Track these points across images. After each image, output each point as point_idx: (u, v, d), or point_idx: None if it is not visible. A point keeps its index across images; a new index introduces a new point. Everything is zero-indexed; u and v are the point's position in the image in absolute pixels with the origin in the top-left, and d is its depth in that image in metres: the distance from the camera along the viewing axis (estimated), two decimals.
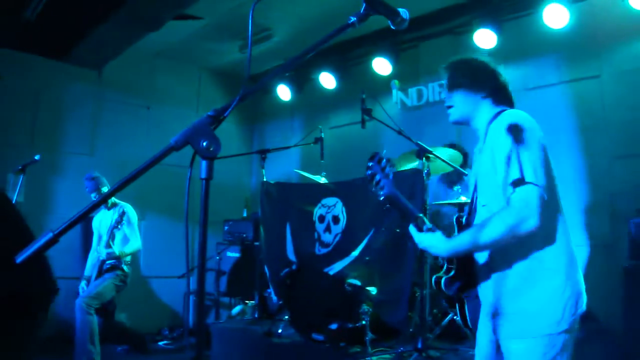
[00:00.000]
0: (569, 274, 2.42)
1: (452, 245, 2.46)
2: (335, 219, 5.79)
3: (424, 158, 4.85)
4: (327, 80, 8.42)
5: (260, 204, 6.63)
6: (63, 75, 8.13)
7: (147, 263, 8.64)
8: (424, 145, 4.83)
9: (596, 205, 5.95)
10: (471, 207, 2.75)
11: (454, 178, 6.13)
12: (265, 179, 6.53)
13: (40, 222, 7.52)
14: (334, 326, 4.77)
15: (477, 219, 2.65)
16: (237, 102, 1.57)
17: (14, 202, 5.52)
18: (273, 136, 10.04)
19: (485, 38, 6.69)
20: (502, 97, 2.79)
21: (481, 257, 2.60)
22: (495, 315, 2.50)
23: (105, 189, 6.32)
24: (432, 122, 7.38)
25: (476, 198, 2.70)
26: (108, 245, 6.20)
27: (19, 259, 1.50)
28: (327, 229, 5.87)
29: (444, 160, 4.93)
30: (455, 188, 5.52)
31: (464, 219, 2.76)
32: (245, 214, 9.28)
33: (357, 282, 5.14)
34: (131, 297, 7.44)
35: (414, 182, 4.94)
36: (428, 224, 2.52)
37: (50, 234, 1.48)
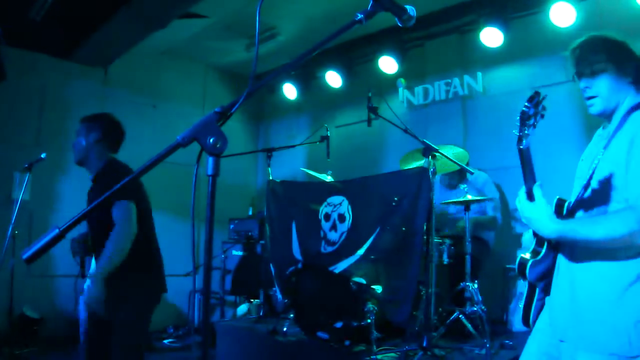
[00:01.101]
0: None
1: (561, 228, 2.26)
2: (341, 218, 5.78)
3: (430, 156, 4.83)
4: (333, 78, 8.42)
5: (266, 202, 6.62)
6: (69, 74, 8.14)
7: None
8: (430, 144, 4.81)
9: None
10: (582, 195, 2.51)
11: (454, 180, 6.11)
12: (271, 178, 6.52)
13: (47, 220, 7.55)
14: (339, 325, 4.76)
15: (588, 208, 2.43)
16: (244, 99, 1.57)
17: (19, 200, 5.54)
18: (279, 135, 10.04)
19: (491, 36, 6.69)
20: None
21: (574, 251, 2.41)
22: (567, 319, 2.34)
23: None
24: (438, 120, 7.38)
25: (590, 186, 2.45)
26: None
27: (26, 255, 1.50)
28: (333, 228, 5.86)
29: (450, 159, 4.91)
30: (462, 186, 5.50)
31: (565, 205, 2.59)
32: (250, 213, 9.29)
33: (363, 281, 5.13)
34: None
35: (421, 180, 4.94)
36: (541, 197, 2.38)
37: (57, 230, 1.49)
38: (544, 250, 2.53)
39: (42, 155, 5.77)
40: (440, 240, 5.26)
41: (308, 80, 9.04)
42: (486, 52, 6.90)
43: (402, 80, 7.85)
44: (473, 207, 5.65)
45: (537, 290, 2.56)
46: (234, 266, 7.90)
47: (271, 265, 6.40)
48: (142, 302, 4.21)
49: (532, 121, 2.39)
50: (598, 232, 2.18)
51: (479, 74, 7.14)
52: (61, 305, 7.63)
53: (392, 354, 4.58)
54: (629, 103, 2.44)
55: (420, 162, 5.38)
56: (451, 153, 5.12)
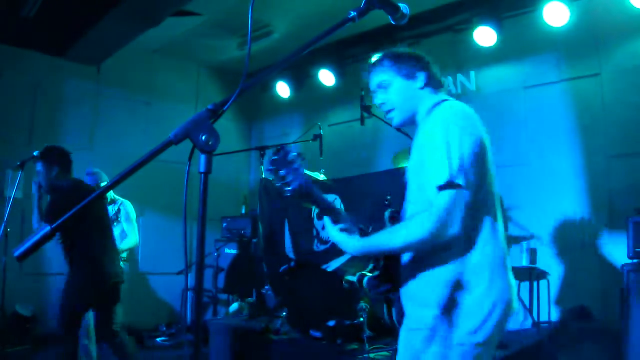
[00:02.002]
0: (492, 283, 2.20)
1: (363, 245, 2.32)
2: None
3: None
4: (326, 77, 8.42)
5: (259, 201, 6.62)
6: (62, 72, 8.11)
7: (145, 259, 8.64)
8: None
9: (595, 203, 5.96)
10: (404, 207, 2.51)
11: None
12: (264, 176, 6.52)
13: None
14: (331, 323, 4.77)
15: (406, 216, 2.44)
16: (237, 96, 1.56)
17: (12, 198, 5.53)
18: (272, 133, 10.03)
19: (485, 36, 6.70)
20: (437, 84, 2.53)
21: (404, 260, 2.42)
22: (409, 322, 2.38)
23: (104, 184, 6.30)
24: None
25: (405, 196, 2.49)
26: None
27: (17, 252, 1.50)
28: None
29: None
30: None
31: (395, 217, 2.59)
32: (243, 211, 9.28)
33: (355, 279, 5.13)
34: (129, 294, 7.42)
35: None
36: (344, 220, 2.40)
37: (48, 228, 1.49)
38: (380, 266, 2.56)
39: (35, 154, 5.74)
40: None
41: (301, 78, 9.03)
42: (480, 51, 6.90)
43: None
44: None
45: (391, 300, 2.57)
46: (226, 264, 7.89)
47: (264, 263, 6.40)
48: None
49: (284, 172, 2.26)
50: (397, 240, 2.22)
51: (472, 73, 7.15)
52: (53, 303, 7.61)
53: (385, 353, 4.59)
54: (425, 108, 2.46)
55: None
56: None
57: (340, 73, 8.34)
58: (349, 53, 8.41)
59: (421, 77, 2.47)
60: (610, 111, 5.92)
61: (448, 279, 2.21)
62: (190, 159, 1.49)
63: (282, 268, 5.48)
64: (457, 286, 2.20)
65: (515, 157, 6.27)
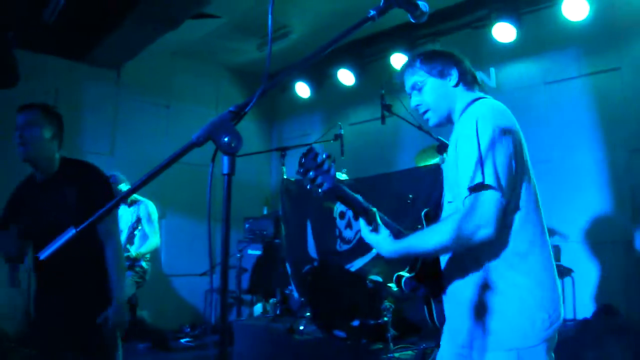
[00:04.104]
0: (539, 284, 2.19)
1: (397, 247, 2.28)
2: (356, 215, 5.78)
3: (444, 153, 4.81)
4: (346, 76, 8.41)
5: (280, 201, 6.63)
6: (82, 76, 8.17)
7: (169, 261, 8.69)
8: (444, 140, 4.79)
9: (617, 199, 5.90)
10: (440, 203, 2.55)
11: None
12: (285, 177, 6.52)
13: None
14: (355, 323, 4.77)
15: (443, 216, 2.45)
16: (258, 97, 1.56)
17: None
18: (292, 133, 10.04)
19: (504, 32, 6.65)
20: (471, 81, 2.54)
21: (443, 262, 2.42)
22: (456, 328, 2.35)
23: (122, 186, 6.35)
24: None
25: (444, 193, 2.50)
26: (125, 249, 6.20)
27: (43, 255, 1.51)
28: (348, 225, 5.87)
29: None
30: None
31: (430, 215, 2.60)
32: (265, 212, 9.29)
33: (379, 279, 5.13)
34: (153, 295, 7.49)
35: (435, 178, 4.92)
36: (378, 220, 2.35)
37: (73, 231, 1.50)
38: (417, 267, 2.55)
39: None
40: None
41: (321, 78, 9.03)
42: (499, 47, 6.86)
43: None
44: None
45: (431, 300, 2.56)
46: (249, 265, 7.91)
47: (287, 264, 6.41)
48: None
49: (314, 174, 2.25)
50: (430, 242, 2.22)
51: (492, 70, 7.10)
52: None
53: (409, 352, 4.58)
54: (459, 107, 2.45)
55: (436, 159, 5.37)
56: None
57: (359, 72, 8.33)
58: (367, 52, 8.40)
59: (454, 75, 2.47)
60: (631, 105, 5.86)
61: (484, 281, 2.20)
62: (212, 160, 1.50)
63: (305, 268, 5.49)
64: (494, 288, 2.19)
65: (537, 153, 6.20)
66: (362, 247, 5.63)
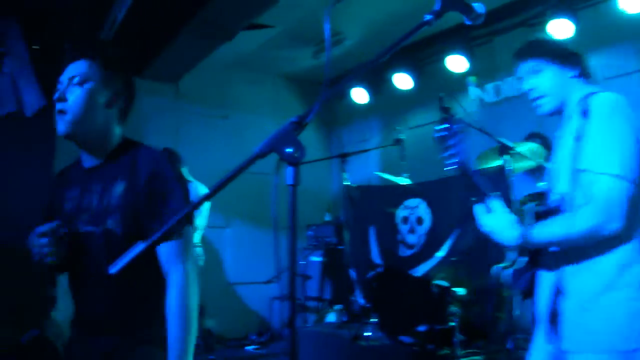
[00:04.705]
0: None
1: (524, 235, 2.17)
2: (419, 220, 5.75)
3: (507, 155, 4.74)
4: (403, 80, 8.36)
5: (343, 208, 6.64)
6: (142, 91, 8.28)
7: (233, 270, 8.80)
8: (506, 142, 4.72)
9: None
10: (549, 196, 2.48)
11: (537, 173, 5.97)
12: (347, 183, 6.53)
13: None
14: (422, 328, 4.73)
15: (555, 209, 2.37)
16: (320, 105, 1.58)
17: None
18: (351, 139, 10.04)
19: (560, 28, 6.49)
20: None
21: (557, 257, 2.33)
22: (555, 323, 2.27)
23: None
24: (511, 117, 7.22)
25: (554, 186, 2.44)
26: None
27: (113, 269, 1.54)
28: (411, 231, 5.84)
29: (525, 157, 4.81)
30: (541, 184, 5.38)
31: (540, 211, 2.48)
32: (327, 218, 9.31)
33: (444, 283, 5.08)
34: (218, 304, 7.58)
35: (498, 180, 4.85)
36: (500, 207, 2.25)
37: (142, 246, 1.53)
38: (525, 260, 2.47)
39: None
40: None
41: (377, 83, 9.00)
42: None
43: (472, 78, 7.72)
44: None
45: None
46: (313, 272, 7.93)
47: (351, 270, 6.41)
48: None
49: (453, 141, 2.26)
50: (559, 233, 2.18)
51: None
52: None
53: (477, 357, 4.52)
54: (575, 98, 2.40)
55: (498, 162, 5.29)
56: (526, 149, 5.01)
57: (416, 75, 8.28)
58: (423, 55, 8.34)
59: (576, 66, 2.46)
60: None
61: (608, 277, 2.14)
62: (277, 171, 1.51)
63: (370, 274, 5.47)
64: (610, 285, 2.14)
65: None
66: (426, 252, 5.60)
